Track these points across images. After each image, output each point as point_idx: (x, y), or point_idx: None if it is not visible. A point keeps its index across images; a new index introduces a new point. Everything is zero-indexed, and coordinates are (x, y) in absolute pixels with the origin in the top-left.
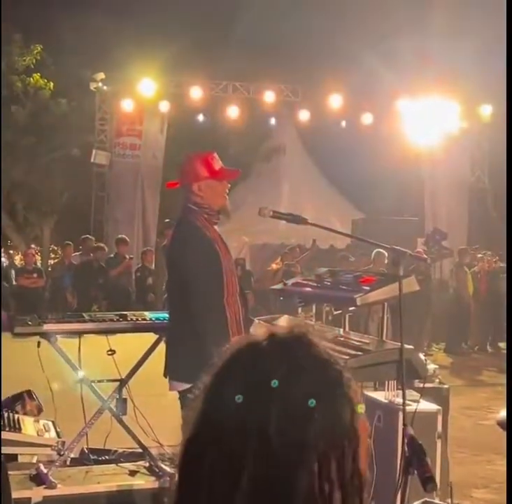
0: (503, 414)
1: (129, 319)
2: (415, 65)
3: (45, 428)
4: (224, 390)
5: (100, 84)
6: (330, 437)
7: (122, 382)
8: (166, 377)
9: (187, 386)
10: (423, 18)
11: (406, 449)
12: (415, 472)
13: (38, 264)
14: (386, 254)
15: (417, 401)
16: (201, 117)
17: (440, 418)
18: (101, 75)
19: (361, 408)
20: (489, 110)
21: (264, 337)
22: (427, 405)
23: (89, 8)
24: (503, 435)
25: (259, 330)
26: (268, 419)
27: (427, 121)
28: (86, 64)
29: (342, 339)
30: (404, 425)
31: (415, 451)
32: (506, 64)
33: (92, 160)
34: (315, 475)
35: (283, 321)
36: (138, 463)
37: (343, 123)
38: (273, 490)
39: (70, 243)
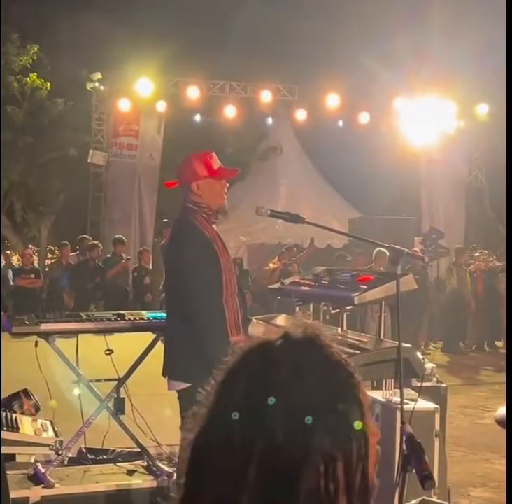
0: (501, 411)
1: (126, 318)
2: (412, 64)
3: (42, 428)
4: (235, 389)
5: (97, 84)
6: (338, 438)
7: (120, 381)
8: (164, 376)
9: (186, 385)
10: (420, 17)
11: (404, 447)
12: (413, 470)
13: (36, 264)
14: (387, 253)
15: (415, 400)
16: (198, 117)
17: (437, 417)
18: (98, 75)
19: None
20: (486, 110)
21: (277, 337)
22: (424, 404)
23: (86, 8)
24: (501, 433)
25: (257, 329)
26: (275, 418)
27: (424, 120)
28: (82, 64)
29: (339, 337)
30: (402, 423)
31: (413, 449)
32: (506, 63)
33: (89, 160)
34: (321, 476)
35: (281, 320)
36: (136, 462)
37: (340, 122)
38: (278, 489)
39: (67, 243)
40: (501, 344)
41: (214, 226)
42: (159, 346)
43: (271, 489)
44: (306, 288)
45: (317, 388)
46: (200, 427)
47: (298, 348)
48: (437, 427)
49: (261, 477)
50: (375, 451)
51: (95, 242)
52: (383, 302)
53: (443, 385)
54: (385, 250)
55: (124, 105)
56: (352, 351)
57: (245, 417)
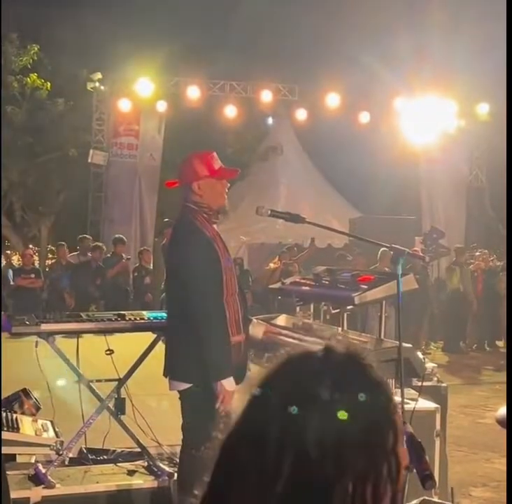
0: (501, 411)
1: (127, 319)
2: (412, 63)
3: (43, 428)
4: (272, 396)
5: (97, 84)
6: (371, 459)
7: (120, 382)
8: (166, 377)
9: (187, 385)
10: (419, 16)
11: (405, 446)
12: (414, 470)
13: (36, 264)
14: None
15: (416, 400)
16: (198, 117)
17: (438, 416)
18: (98, 75)
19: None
20: (486, 109)
21: (319, 349)
22: (425, 404)
23: (86, 7)
24: (501, 432)
25: (257, 328)
26: (310, 429)
27: (425, 120)
28: (83, 64)
29: (340, 337)
30: (403, 423)
31: (414, 449)
32: (506, 63)
33: (89, 160)
34: (348, 495)
35: (281, 320)
36: (136, 462)
37: (341, 122)
38: (306, 501)
39: (64, 243)
40: (501, 343)
41: (214, 226)
42: (160, 346)
43: (298, 499)
44: (307, 288)
45: (356, 405)
46: (233, 428)
47: (340, 362)
48: (438, 426)
49: (290, 486)
50: (403, 476)
51: (98, 244)
52: (384, 302)
53: (444, 384)
54: (390, 250)
55: (124, 105)
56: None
57: (280, 425)
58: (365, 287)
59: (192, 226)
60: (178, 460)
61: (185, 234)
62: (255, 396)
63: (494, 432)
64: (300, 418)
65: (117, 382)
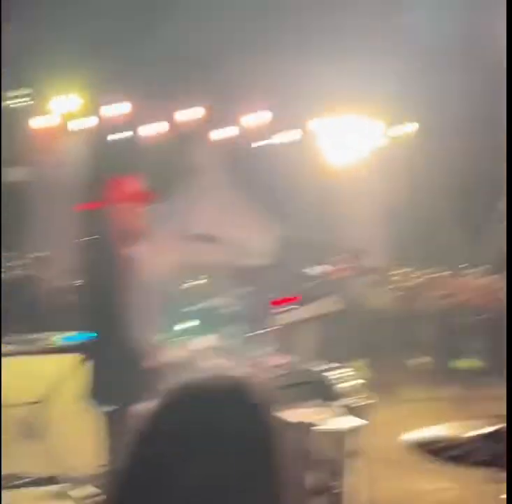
0: (419, 434)
1: (43, 341)
2: (335, 81)
3: None
4: (156, 432)
5: (20, 99)
6: (262, 483)
7: (39, 404)
8: (88, 399)
9: (110, 407)
10: (344, 35)
11: (318, 468)
12: (327, 491)
13: None
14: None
15: (334, 419)
16: (120, 135)
17: (355, 435)
18: (20, 91)
19: None
20: (414, 128)
21: (201, 380)
22: (342, 423)
23: (8, 19)
24: (420, 452)
25: (177, 351)
26: (194, 469)
27: (348, 139)
28: (5, 78)
29: (258, 360)
30: (316, 445)
31: (328, 470)
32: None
33: (8, 179)
34: None
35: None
36: (50, 487)
37: (262, 141)
38: None
39: None
40: (419, 361)
41: (132, 249)
42: (84, 368)
43: None
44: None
45: (235, 436)
46: (120, 470)
47: (222, 391)
48: (356, 445)
49: None
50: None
51: None
52: (308, 323)
53: (363, 403)
54: None
55: (46, 121)
56: (268, 374)
57: (164, 465)
58: (290, 308)
59: (109, 249)
60: (99, 485)
61: (102, 257)
62: (138, 436)
63: (412, 451)
64: (183, 456)
65: (35, 405)
